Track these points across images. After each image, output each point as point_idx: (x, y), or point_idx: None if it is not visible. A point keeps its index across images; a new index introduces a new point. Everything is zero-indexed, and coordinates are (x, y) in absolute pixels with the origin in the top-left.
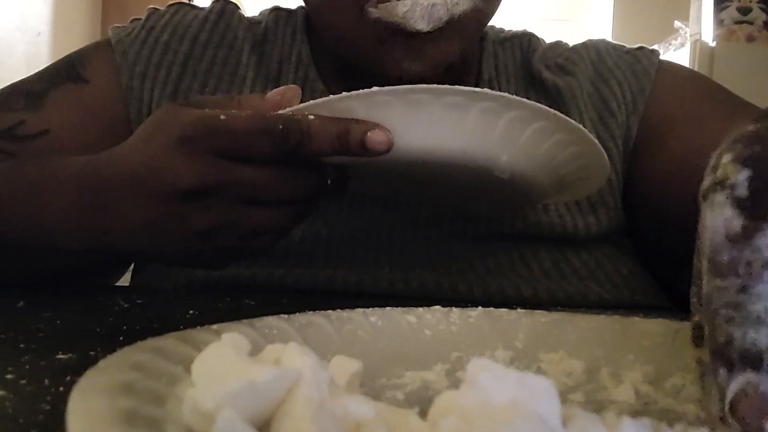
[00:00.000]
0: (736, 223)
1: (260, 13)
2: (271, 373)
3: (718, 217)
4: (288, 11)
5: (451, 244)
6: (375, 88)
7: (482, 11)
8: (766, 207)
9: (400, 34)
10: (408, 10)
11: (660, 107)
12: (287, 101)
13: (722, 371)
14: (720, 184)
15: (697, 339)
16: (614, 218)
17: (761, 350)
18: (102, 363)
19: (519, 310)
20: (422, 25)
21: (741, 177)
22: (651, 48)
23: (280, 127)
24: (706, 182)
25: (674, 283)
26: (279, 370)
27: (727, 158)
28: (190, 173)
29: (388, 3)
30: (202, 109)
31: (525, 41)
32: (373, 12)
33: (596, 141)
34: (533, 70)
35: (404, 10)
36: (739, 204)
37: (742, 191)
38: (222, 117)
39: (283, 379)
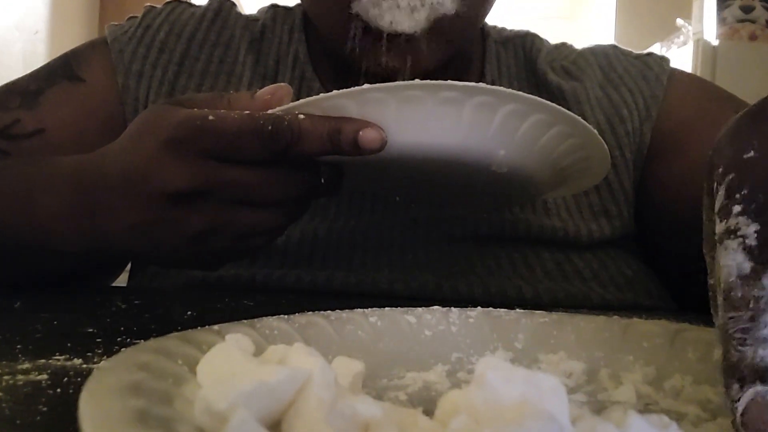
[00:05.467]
0: (747, 265)
1: (258, 11)
2: (282, 374)
3: (732, 261)
4: (286, 9)
5: (451, 245)
6: (367, 85)
7: (465, 18)
8: None
9: (380, 33)
10: (387, 14)
11: (674, 114)
12: (277, 100)
13: (735, 386)
14: (732, 232)
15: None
16: (619, 227)
17: (767, 363)
18: (107, 364)
19: (518, 310)
20: (404, 28)
21: (751, 230)
22: (661, 55)
23: (269, 127)
24: (720, 228)
25: (686, 285)
26: (290, 370)
27: (737, 210)
28: (178, 176)
29: (373, 7)
30: (190, 109)
31: (528, 41)
32: (355, 5)
33: (595, 132)
34: (538, 71)
35: (384, 14)
36: (749, 251)
37: (752, 241)
38: (210, 117)
39: (294, 380)
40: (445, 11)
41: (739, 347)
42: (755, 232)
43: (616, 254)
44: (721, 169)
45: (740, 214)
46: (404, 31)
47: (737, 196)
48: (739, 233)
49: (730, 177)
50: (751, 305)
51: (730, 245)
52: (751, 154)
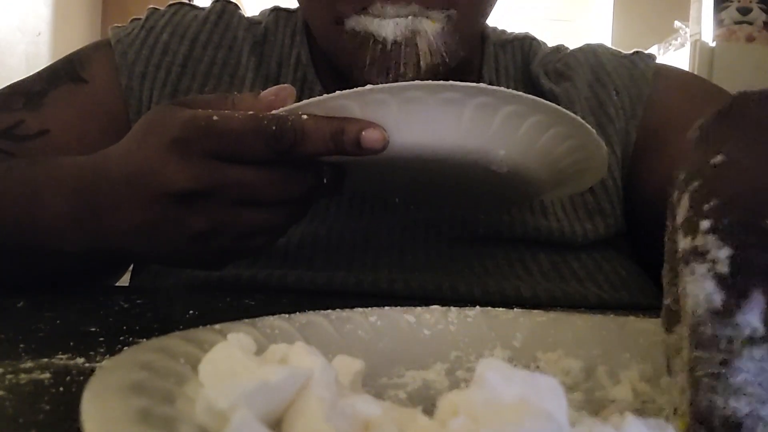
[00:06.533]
0: (717, 298)
1: (260, 13)
2: (283, 373)
3: (700, 289)
4: (288, 11)
5: (450, 246)
6: (369, 86)
7: (462, 25)
8: (746, 285)
9: (371, 43)
10: (381, 24)
11: (660, 111)
12: (281, 101)
13: None
14: (700, 254)
15: (669, 323)
16: (612, 225)
17: (740, 418)
18: (109, 363)
19: (516, 309)
20: (387, 33)
21: (722, 254)
22: (647, 52)
23: (273, 128)
24: (685, 244)
25: None
26: (291, 370)
27: (705, 226)
28: (183, 176)
29: (363, 16)
30: (194, 110)
31: (526, 45)
32: (348, 22)
33: (594, 132)
34: (532, 75)
35: (373, 20)
36: (721, 280)
37: (724, 268)
38: (214, 118)
39: (295, 379)
40: (432, 28)
41: (709, 394)
42: (728, 257)
43: (610, 255)
44: (683, 176)
45: (709, 231)
46: (396, 39)
47: (705, 208)
48: (708, 256)
49: (696, 185)
50: (722, 347)
51: (698, 270)
52: (719, 158)
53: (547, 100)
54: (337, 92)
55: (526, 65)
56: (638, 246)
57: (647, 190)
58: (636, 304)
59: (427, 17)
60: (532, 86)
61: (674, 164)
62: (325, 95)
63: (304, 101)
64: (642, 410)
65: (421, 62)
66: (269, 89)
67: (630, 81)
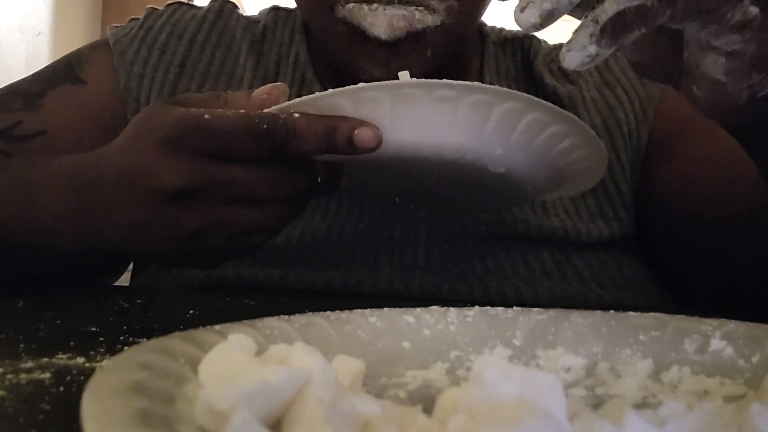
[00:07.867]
0: None
1: (259, 13)
2: (283, 373)
3: None
4: (287, 11)
5: (450, 245)
6: (362, 84)
7: (451, 27)
8: None
9: (362, 37)
10: (370, 16)
11: (672, 112)
12: (274, 99)
13: None
14: None
15: None
16: (616, 228)
17: None
18: (109, 363)
19: (516, 308)
20: (380, 33)
21: None
22: None
23: (265, 126)
24: None
25: (690, 284)
26: (291, 370)
27: None
28: (175, 174)
29: (354, 5)
30: (187, 108)
31: (526, 43)
32: (340, 10)
33: (592, 131)
34: (535, 73)
35: (367, 15)
36: None
37: None
38: (206, 116)
39: (295, 379)
40: (427, 24)
41: None
42: None
43: (616, 255)
44: None
45: None
46: (383, 38)
47: None
48: None
49: None
50: None
51: None
52: None
53: (550, 99)
54: (330, 90)
55: (527, 64)
56: (649, 249)
57: (660, 192)
58: (638, 306)
59: (425, 7)
60: (534, 86)
61: (689, 166)
62: (318, 93)
63: (297, 99)
64: (644, 405)
65: (421, 61)
66: (262, 87)
67: (639, 83)
